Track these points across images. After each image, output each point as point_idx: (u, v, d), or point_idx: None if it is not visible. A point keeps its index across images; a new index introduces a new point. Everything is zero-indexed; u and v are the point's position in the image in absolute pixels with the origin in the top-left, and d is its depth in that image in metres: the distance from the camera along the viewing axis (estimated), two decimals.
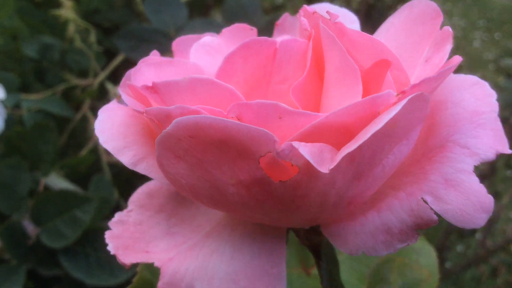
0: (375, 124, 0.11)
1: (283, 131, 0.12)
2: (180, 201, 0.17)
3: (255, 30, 0.17)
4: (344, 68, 0.14)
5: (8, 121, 0.56)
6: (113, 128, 0.15)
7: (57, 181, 0.56)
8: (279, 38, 0.15)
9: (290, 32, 0.17)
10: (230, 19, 0.71)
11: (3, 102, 0.55)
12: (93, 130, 0.53)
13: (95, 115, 0.61)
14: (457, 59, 0.13)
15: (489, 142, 0.14)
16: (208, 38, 0.16)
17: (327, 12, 0.14)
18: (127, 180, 0.64)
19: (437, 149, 0.14)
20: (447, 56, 0.13)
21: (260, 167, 0.12)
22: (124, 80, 0.16)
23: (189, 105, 0.12)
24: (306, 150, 0.11)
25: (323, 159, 0.11)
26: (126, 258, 0.16)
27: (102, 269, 0.49)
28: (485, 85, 0.15)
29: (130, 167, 0.14)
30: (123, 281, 0.49)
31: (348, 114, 0.12)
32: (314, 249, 0.18)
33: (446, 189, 0.13)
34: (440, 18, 0.14)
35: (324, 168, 0.11)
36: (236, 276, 0.15)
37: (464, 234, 0.90)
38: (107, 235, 0.16)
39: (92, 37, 0.67)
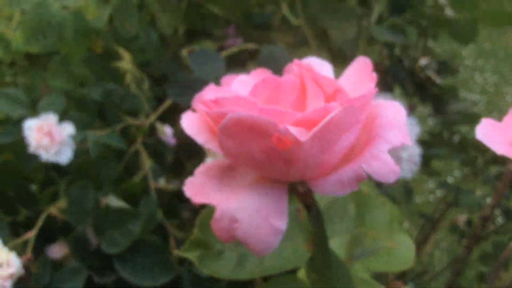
0: (326, 119, 0.24)
1: (283, 122, 0.24)
2: (226, 171, 0.29)
3: (270, 71, 0.30)
4: (315, 93, 0.26)
5: (76, 152, 0.69)
6: (193, 125, 0.27)
7: (114, 201, 0.68)
8: (283, 76, 0.28)
9: (290, 73, 0.29)
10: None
11: (72, 137, 0.68)
12: (144, 161, 0.66)
13: (146, 149, 0.74)
14: (372, 89, 0.26)
15: (398, 137, 0.26)
16: (242, 76, 0.29)
17: (307, 63, 0.26)
18: (169, 203, 0.77)
19: (372, 140, 0.26)
20: (370, 87, 0.26)
21: (271, 141, 0.24)
22: (195, 99, 0.29)
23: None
24: (293, 130, 0.23)
25: (301, 134, 0.24)
26: (196, 200, 0.28)
27: (146, 273, 0.60)
28: (400, 107, 0.27)
29: (203, 144, 0.27)
30: (162, 283, 0.61)
31: (314, 114, 0.24)
32: (307, 205, 0.30)
33: (373, 161, 0.25)
34: (371, 66, 0.27)
35: (303, 138, 0.23)
36: (259, 209, 0.26)
37: None
38: (186, 187, 0.28)
39: (145, 84, 0.81)
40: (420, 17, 1.02)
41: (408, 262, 0.41)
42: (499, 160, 1.30)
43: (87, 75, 0.80)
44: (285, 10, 1.01)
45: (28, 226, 0.65)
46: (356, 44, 1.02)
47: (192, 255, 0.35)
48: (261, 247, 0.27)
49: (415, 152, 1.00)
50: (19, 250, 0.58)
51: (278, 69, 0.87)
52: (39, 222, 0.61)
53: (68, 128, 0.66)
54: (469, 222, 1.37)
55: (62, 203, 0.67)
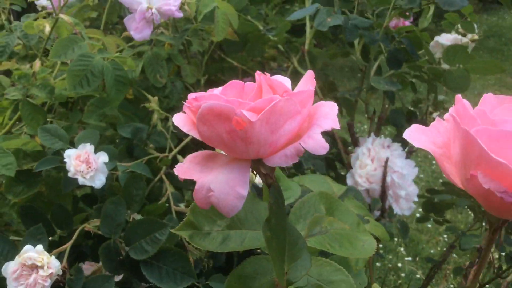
0: (270, 105, 0.32)
1: (240, 108, 0.33)
2: (207, 158, 0.37)
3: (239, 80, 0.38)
4: (268, 93, 0.35)
5: (107, 179, 0.78)
6: (180, 120, 0.36)
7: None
8: (248, 83, 0.36)
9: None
10: None
11: (106, 164, 0.77)
12: (167, 188, 0.74)
13: (169, 179, 0.82)
14: (309, 90, 0.34)
15: (329, 123, 0.34)
16: (219, 88, 0.38)
17: (264, 73, 0.35)
18: None
19: (310, 126, 0.35)
20: (309, 88, 0.34)
21: (232, 124, 0.32)
22: (184, 105, 0.37)
23: None
24: (246, 113, 0.32)
25: (252, 116, 0.32)
26: (182, 177, 0.36)
27: (169, 278, 0.66)
28: (334, 105, 0.36)
29: (187, 132, 0.35)
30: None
31: (262, 103, 0.32)
32: (268, 184, 0.38)
33: (308, 139, 0.33)
34: (313, 76, 0.35)
35: (253, 119, 0.32)
36: (228, 181, 0.34)
37: None
38: (176, 169, 0.36)
39: (170, 123, 0.91)
40: (417, 69, 1.10)
41: (368, 254, 0.47)
42: None
43: (117, 116, 0.90)
44: (295, 63, 1.11)
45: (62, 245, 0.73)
46: (359, 92, 1.10)
47: (184, 234, 0.42)
48: (229, 209, 0.34)
49: (413, 191, 1.06)
50: None
51: None
52: (74, 236, 0.69)
53: (103, 157, 0.75)
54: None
55: (94, 222, 0.75)
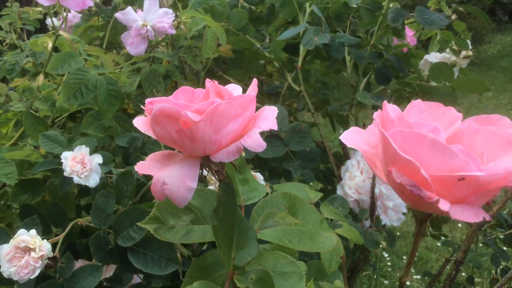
0: (211, 107, 0.36)
1: (186, 110, 0.37)
2: (165, 156, 0.42)
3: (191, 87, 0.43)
4: (213, 98, 0.39)
5: (101, 180, 0.82)
6: (140, 123, 0.41)
7: None
8: (198, 89, 0.41)
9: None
10: None
11: (100, 166, 0.82)
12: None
13: None
14: (250, 95, 0.38)
15: (268, 125, 0.38)
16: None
17: (212, 81, 0.40)
18: None
19: (252, 127, 0.39)
20: (250, 94, 0.38)
21: (179, 124, 0.37)
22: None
23: None
24: (191, 114, 0.36)
25: (196, 117, 0.36)
26: (141, 172, 0.40)
27: (155, 264, 0.70)
28: (274, 108, 0.40)
29: (145, 132, 0.40)
30: (168, 273, 0.70)
31: (205, 105, 0.37)
32: (219, 179, 0.42)
33: (248, 138, 0.38)
34: (256, 83, 0.40)
35: (197, 119, 0.36)
36: (179, 175, 0.39)
37: None
38: (137, 166, 0.41)
39: None
40: (407, 86, 1.14)
41: (326, 249, 0.51)
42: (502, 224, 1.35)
43: (114, 126, 0.95)
44: (289, 79, 1.16)
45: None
46: (350, 107, 1.15)
47: (149, 227, 0.47)
48: (181, 199, 0.39)
49: (402, 203, 1.09)
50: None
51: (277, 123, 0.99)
52: (67, 229, 0.74)
53: (97, 159, 0.79)
54: (470, 279, 1.41)
55: (87, 218, 0.79)
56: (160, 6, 0.98)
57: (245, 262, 0.41)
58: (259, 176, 0.80)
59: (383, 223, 1.06)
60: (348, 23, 1.17)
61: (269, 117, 0.39)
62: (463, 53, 1.43)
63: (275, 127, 0.38)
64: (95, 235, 0.72)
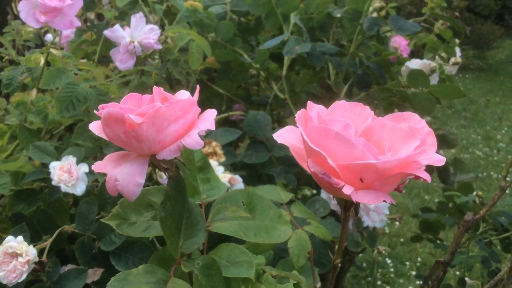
0: (152, 110, 0.41)
1: (131, 113, 0.42)
2: (121, 156, 0.47)
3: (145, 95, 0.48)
4: (157, 102, 0.44)
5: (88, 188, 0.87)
6: (94, 126, 0.46)
7: None
8: (145, 95, 0.46)
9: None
10: (249, 130, 1.03)
11: (87, 174, 0.87)
12: None
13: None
14: (190, 99, 0.43)
15: (205, 125, 0.43)
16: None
17: (161, 90, 0.45)
18: None
19: (193, 128, 0.44)
20: (190, 98, 0.43)
21: (126, 125, 0.42)
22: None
23: None
24: (133, 117, 0.41)
25: (138, 119, 0.41)
26: (97, 170, 0.45)
27: (135, 267, 0.73)
28: (214, 111, 0.45)
29: (99, 135, 0.45)
30: None
31: (147, 108, 0.42)
32: (169, 176, 0.47)
33: (187, 138, 0.42)
34: (198, 90, 0.44)
35: (139, 121, 0.41)
36: (129, 172, 0.43)
37: None
38: (94, 165, 0.46)
39: None
40: (387, 92, 1.18)
41: (282, 240, 0.56)
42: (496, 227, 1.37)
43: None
44: (275, 88, 1.20)
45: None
46: None
47: (112, 223, 0.51)
48: (130, 194, 0.43)
49: (383, 205, 1.12)
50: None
51: (259, 128, 1.05)
52: (54, 235, 0.79)
53: (84, 168, 0.84)
54: (462, 281, 1.43)
55: (73, 225, 0.84)
56: (147, 23, 1.03)
57: (192, 249, 0.45)
58: (238, 179, 0.85)
59: (365, 224, 1.10)
60: (331, 33, 1.22)
61: (208, 118, 0.44)
62: (452, 60, 1.47)
63: (213, 127, 0.43)
64: (80, 240, 0.77)
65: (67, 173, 0.82)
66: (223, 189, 0.60)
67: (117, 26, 1.00)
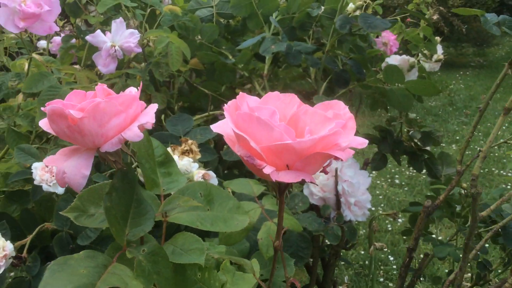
0: (91, 104, 0.43)
1: (72, 109, 0.44)
2: (72, 151, 0.48)
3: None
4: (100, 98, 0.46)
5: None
6: (43, 123, 0.47)
7: None
8: (89, 92, 0.48)
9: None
10: None
11: None
12: None
13: None
14: (130, 95, 0.45)
15: (145, 118, 0.45)
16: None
17: (105, 87, 0.46)
18: None
19: (134, 121, 0.45)
20: (131, 94, 0.45)
21: (69, 120, 0.44)
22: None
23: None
24: (73, 112, 0.43)
25: (78, 114, 0.43)
26: (48, 164, 0.47)
27: None
28: (155, 105, 0.46)
29: (47, 130, 0.46)
30: None
31: (87, 103, 0.43)
32: (117, 168, 0.48)
33: (128, 131, 0.44)
34: (141, 87, 0.46)
35: (78, 116, 0.43)
36: (76, 165, 0.45)
37: None
38: (46, 159, 0.48)
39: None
40: (366, 88, 1.19)
41: (238, 228, 0.57)
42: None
43: None
44: (257, 87, 1.22)
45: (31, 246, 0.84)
46: None
47: (70, 215, 0.53)
48: (77, 185, 0.45)
49: (365, 199, 1.13)
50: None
51: None
52: (34, 232, 0.81)
53: None
54: (450, 273, 1.44)
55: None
56: (128, 27, 1.05)
57: (138, 237, 0.47)
58: (211, 174, 0.86)
59: (347, 218, 1.11)
60: (311, 32, 1.23)
61: (149, 112, 0.46)
62: (435, 56, 1.48)
63: (153, 121, 0.45)
64: (58, 236, 0.79)
65: (49, 173, 0.84)
66: (183, 182, 0.61)
67: (99, 31, 1.03)
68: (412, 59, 1.21)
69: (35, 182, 0.85)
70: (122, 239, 0.46)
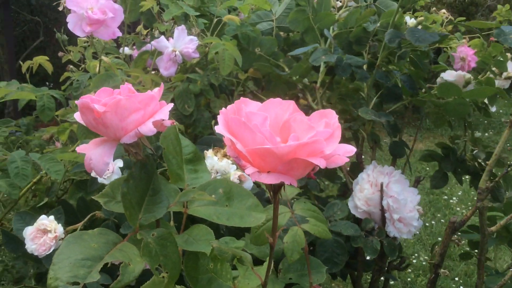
0: (113, 101, 0.48)
1: (98, 103, 0.49)
2: (100, 141, 0.54)
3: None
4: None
5: None
6: (77, 116, 0.53)
7: None
8: (117, 89, 0.53)
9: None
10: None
11: (121, 169, 0.97)
12: None
13: None
14: (149, 95, 0.50)
15: (160, 116, 0.49)
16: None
17: (130, 86, 0.52)
18: None
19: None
20: (149, 94, 0.50)
21: (94, 113, 0.49)
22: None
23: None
24: (97, 106, 0.48)
25: (101, 108, 0.48)
26: (79, 151, 0.53)
27: None
28: (170, 105, 0.51)
29: (80, 122, 0.52)
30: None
31: (110, 100, 0.49)
32: (137, 159, 0.54)
33: (143, 126, 0.49)
34: (160, 93, 0.51)
35: (102, 110, 0.48)
36: (100, 152, 0.51)
37: None
38: (78, 147, 0.54)
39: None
40: (420, 103, 1.18)
41: (253, 224, 0.60)
42: None
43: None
44: (309, 99, 1.25)
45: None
46: (363, 124, 1.21)
47: (101, 200, 0.58)
48: (99, 171, 0.51)
49: (412, 216, 1.11)
50: None
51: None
52: (86, 219, 0.89)
53: (119, 163, 0.94)
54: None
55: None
56: (189, 35, 1.12)
57: (149, 221, 0.51)
58: (247, 177, 0.90)
59: (391, 234, 1.09)
60: (368, 46, 1.24)
61: (164, 110, 0.50)
62: (504, 74, 1.43)
63: (166, 117, 0.50)
64: (105, 223, 0.87)
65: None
66: (207, 178, 0.65)
67: (162, 37, 1.10)
68: (468, 75, 1.18)
69: (92, 175, 0.93)
70: (135, 223, 0.51)
